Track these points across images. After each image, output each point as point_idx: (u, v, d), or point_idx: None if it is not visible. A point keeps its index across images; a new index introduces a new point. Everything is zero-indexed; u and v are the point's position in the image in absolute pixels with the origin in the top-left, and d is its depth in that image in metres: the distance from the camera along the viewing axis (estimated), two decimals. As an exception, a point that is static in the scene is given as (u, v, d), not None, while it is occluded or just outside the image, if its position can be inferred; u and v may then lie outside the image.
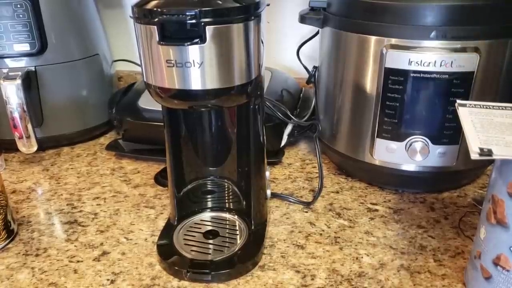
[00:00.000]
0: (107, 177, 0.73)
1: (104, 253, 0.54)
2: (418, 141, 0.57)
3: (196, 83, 0.42)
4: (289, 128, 0.78)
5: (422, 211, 0.61)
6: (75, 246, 0.56)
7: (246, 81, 0.45)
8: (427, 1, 0.52)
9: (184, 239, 0.55)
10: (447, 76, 0.53)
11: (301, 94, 0.91)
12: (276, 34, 0.98)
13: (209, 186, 0.60)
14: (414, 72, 0.54)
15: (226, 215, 0.59)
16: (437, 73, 0.53)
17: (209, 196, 0.61)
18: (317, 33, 0.72)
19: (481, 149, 0.40)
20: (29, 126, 0.71)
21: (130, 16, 0.42)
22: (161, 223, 0.59)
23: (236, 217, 0.59)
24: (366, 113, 0.60)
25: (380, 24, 0.55)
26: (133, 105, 0.79)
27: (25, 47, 0.75)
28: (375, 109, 0.59)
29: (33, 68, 0.75)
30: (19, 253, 0.55)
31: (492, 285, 0.42)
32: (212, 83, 0.43)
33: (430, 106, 0.56)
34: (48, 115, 0.79)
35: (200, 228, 0.57)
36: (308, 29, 0.72)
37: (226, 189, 0.60)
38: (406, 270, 0.50)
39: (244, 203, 0.58)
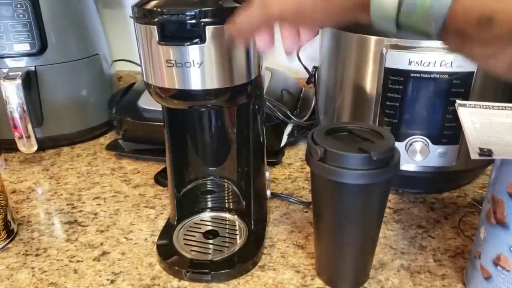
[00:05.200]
0: (107, 177, 0.73)
1: (104, 253, 0.54)
2: (418, 141, 0.57)
3: (196, 83, 0.42)
4: (289, 128, 0.78)
5: (422, 211, 0.61)
6: (75, 246, 0.56)
7: (246, 81, 0.45)
8: None
9: (184, 239, 0.55)
10: (447, 76, 0.53)
11: (301, 94, 0.91)
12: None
13: (209, 186, 0.60)
14: (414, 72, 0.54)
15: (226, 215, 0.59)
16: (437, 73, 0.53)
17: (209, 196, 0.61)
18: (317, 33, 0.72)
19: (481, 149, 0.40)
20: (29, 126, 0.71)
21: (130, 16, 0.42)
22: (161, 223, 0.59)
23: (236, 217, 0.59)
24: (366, 113, 0.60)
25: (380, 24, 0.55)
26: (133, 105, 0.79)
27: (25, 47, 0.75)
28: (375, 109, 0.59)
29: (33, 68, 0.75)
30: (19, 253, 0.55)
31: (492, 285, 0.42)
32: (212, 83, 0.43)
33: (430, 106, 0.56)
34: (48, 115, 0.79)
35: (200, 228, 0.57)
36: (308, 29, 0.72)
37: (226, 189, 0.60)
38: (406, 270, 0.50)
39: (244, 203, 0.58)
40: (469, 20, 0.25)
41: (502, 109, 0.47)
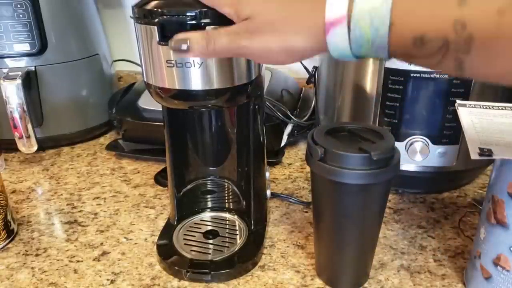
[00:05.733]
0: (107, 177, 0.73)
1: (104, 253, 0.54)
2: (418, 141, 0.57)
3: (196, 83, 0.42)
4: (289, 128, 0.78)
5: (422, 211, 0.61)
6: (75, 246, 0.56)
7: (246, 81, 0.45)
8: None
9: (184, 239, 0.55)
10: (447, 76, 0.53)
11: (301, 94, 0.91)
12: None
13: (209, 186, 0.60)
14: (414, 72, 0.54)
15: (226, 215, 0.59)
16: (437, 73, 0.53)
17: (209, 196, 0.61)
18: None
19: (481, 149, 0.40)
20: (29, 126, 0.71)
21: (131, 16, 0.42)
22: (161, 223, 0.60)
23: (236, 217, 0.59)
24: (366, 113, 0.60)
25: (380, 24, 0.55)
26: (133, 105, 0.79)
27: (25, 47, 0.75)
28: (375, 109, 0.59)
29: (33, 68, 0.75)
30: (19, 253, 0.55)
31: (492, 285, 0.42)
32: (212, 83, 0.43)
33: (430, 106, 0.56)
34: (48, 115, 0.79)
35: (200, 228, 0.57)
36: (308, 29, 0.72)
37: (226, 189, 0.60)
38: (406, 270, 0.50)
39: (244, 203, 0.58)
40: (407, 44, 0.30)
41: (502, 109, 0.47)
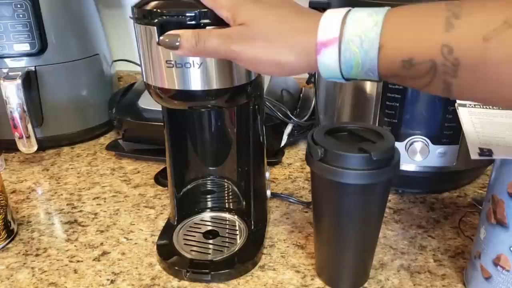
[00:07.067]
0: (107, 177, 0.73)
1: (104, 253, 0.54)
2: (418, 141, 0.57)
3: (196, 84, 0.42)
4: (289, 128, 0.78)
5: (422, 211, 0.61)
6: (75, 246, 0.56)
7: (246, 82, 0.45)
8: (426, 0, 0.52)
9: (184, 239, 0.55)
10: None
11: (301, 94, 0.91)
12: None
13: (209, 186, 0.60)
14: (414, 72, 0.54)
15: (226, 215, 0.59)
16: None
17: (209, 196, 0.61)
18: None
19: (481, 149, 0.40)
20: (29, 126, 0.71)
21: (130, 17, 0.42)
22: (161, 223, 0.60)
23: (236, 217, 0.59)
24: (366, 113, 0.60)
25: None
26: (133, 105, 0.79)
27: (25, 47, 0.75)
28: (375, 109, 0.59)
29: (33, 68, 0.75)
30: (19, 253, 0.55)
31: (492, 285, 0.42)
32: (212, 84, 0.43)
33: (430, 106, 0.56)
34: (48, 115, 0.79)
35: (200, 228, 0.57)
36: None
37: (226, 189, 0.60)
38: (406, 270, 0.50)
39: (244, 203, 0.58)
40: (396, 66, 0.30)
41: (502, 109, 0.47)
